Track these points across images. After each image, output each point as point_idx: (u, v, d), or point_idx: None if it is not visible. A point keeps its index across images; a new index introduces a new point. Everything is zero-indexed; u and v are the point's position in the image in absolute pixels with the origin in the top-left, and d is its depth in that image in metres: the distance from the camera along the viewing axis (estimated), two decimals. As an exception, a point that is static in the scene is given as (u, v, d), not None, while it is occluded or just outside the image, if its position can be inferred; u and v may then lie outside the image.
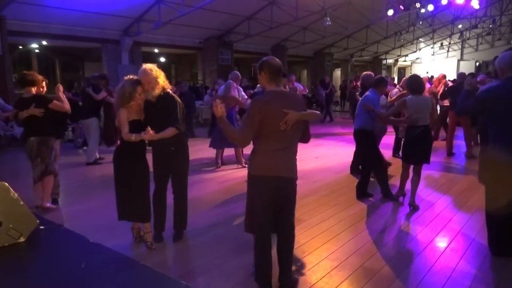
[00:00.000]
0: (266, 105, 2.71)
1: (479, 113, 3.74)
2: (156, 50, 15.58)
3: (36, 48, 12.87)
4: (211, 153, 8.49)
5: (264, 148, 2.77)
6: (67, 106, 4.58)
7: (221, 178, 6.37)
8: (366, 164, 5.32)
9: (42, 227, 1.55)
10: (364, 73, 6.44)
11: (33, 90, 4.46)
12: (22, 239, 1.46)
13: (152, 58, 16.63)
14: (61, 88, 4.62)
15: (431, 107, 4.62)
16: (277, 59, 2.84)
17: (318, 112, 3.09)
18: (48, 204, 4.66)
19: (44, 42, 11.93)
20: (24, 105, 4.39)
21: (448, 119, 8.49)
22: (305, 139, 3.03)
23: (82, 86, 7.78)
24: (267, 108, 2.69)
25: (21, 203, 1.47)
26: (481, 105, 3.47)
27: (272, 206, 2.87)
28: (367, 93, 5.18)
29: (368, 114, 4.98)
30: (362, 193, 5.21)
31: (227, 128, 2.68)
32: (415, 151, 4.65)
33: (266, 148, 2.76)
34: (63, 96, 4.58)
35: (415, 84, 4.70)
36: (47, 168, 4.53)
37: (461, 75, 8.34)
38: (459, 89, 7.67)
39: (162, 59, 17.79)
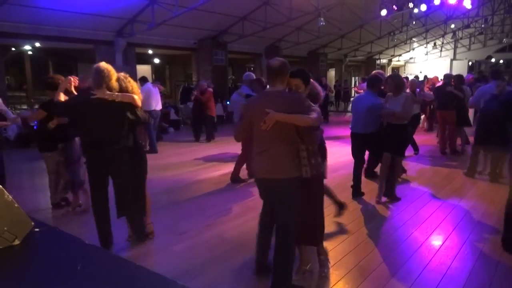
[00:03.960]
0: (251, 106, 2.84)
1: (504, 115, 3.85)
2: (150, 51, 15.51)
3: (29, 50, 12.76)
4: (205, 153, 8.50)
5: (254, 150, 2.85)
6: None
7: (217, 179, 6.37)
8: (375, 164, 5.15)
9: (37, 229, 1.54)
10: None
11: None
12: (17, 242, 1.45)
13: (146, 59, 16.57)
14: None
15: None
16: (280, 59, 2.79)
17: (308, 117, 2.64)
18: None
19: (37, 44, 11.84)
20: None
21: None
22: (307, 140, 2.82)
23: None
24: (251, 109, 2.81)
25: (16, 205, 1.46)
26: (502, 106, 3.67)
27: (268, 208, 3.01)
28: (369, 97, 5.00)
29: (377, 119, 4.93)
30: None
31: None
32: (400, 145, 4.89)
33: (254, 150, 2.84)
34: None
35: (401, 83, 4.84)
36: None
37: (447, 76, 8.35)
38: (443, 89, 7.78)
39: (156, 60, 17.73)
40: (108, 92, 3.30)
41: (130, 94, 3.43)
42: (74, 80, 3.62)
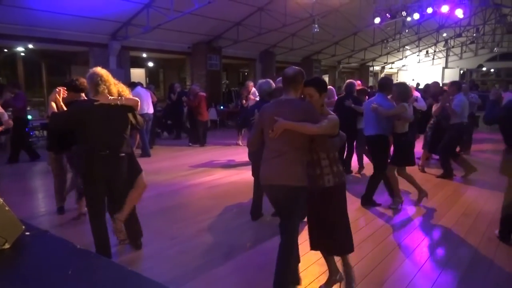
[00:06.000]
0: (263, 114, 2.84)
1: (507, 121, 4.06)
2: (144, 55, 15.46)
3: (22, 52, 12.65)
4: (198, 158, 8.48)
5: (264, 157, 2.85)
6: None
7: (209, 184, 6.35)
8: (379, 171, 5.05)
9: (27, 233, 1.52)
10: (348, 80, 6.58)
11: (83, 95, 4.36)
12: (7, 246, 1.43)
13: (140, 63, 16.51)
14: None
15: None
16: (294, 68, 2.87)
17: (314, 126, 2.62)
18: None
19: (30, 46, 11.75)
20: None
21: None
22: (321, 149, 2.78)
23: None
24: (263, 116, 2.83)
25: (6, 208, 1.44)
26: (506, 113, 3.89)
27: (279, 212, 2.96)
28: (376, 99, 5.00)
29: (388, 119, 4.80)
30: (369, 201, 5.11)
31: None
32: (409, 154, 4.98)
33: (264, 157, 2.84)
34: None
35: (405, 92, 4.84)
36: None
37: (434, 85, 8.27)
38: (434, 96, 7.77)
39: (150, 64, 17.69)
40: (110, 97, 3.23)
41: (134, 98, 3.41)
42: (63, 92, 3.43)
